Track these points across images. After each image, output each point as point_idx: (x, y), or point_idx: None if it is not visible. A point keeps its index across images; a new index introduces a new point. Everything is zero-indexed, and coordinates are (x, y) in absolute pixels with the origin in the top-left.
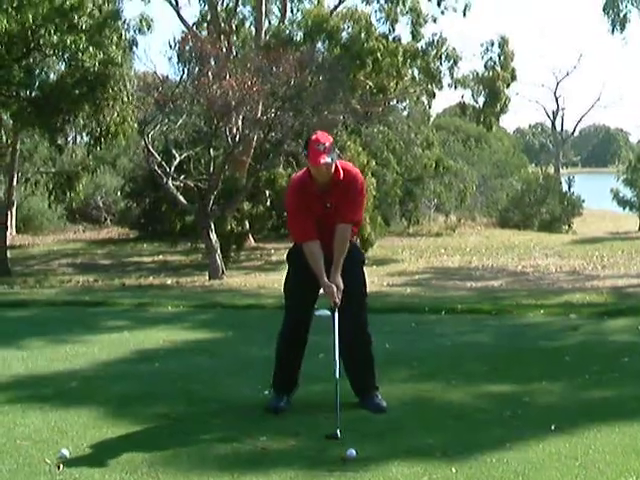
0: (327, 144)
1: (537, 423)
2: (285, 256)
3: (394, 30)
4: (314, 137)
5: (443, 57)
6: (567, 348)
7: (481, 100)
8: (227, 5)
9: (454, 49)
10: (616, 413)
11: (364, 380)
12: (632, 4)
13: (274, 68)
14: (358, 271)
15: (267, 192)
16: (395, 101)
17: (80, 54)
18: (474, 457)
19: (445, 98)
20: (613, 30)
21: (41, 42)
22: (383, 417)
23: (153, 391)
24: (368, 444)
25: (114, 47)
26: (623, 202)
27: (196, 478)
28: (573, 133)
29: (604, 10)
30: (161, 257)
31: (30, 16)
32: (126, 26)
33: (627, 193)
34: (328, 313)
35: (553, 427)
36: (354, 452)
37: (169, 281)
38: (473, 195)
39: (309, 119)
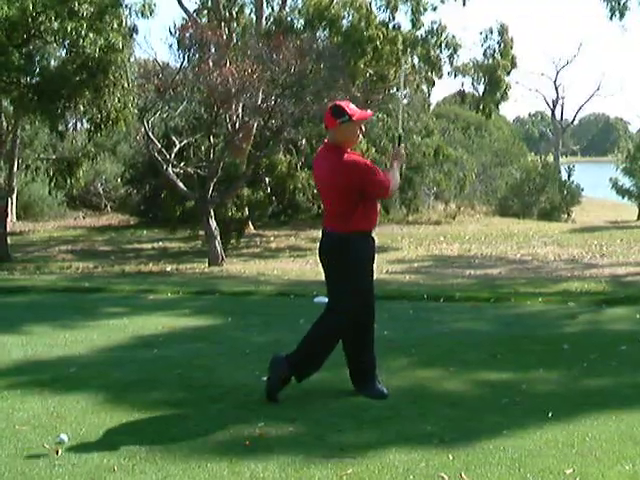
0: None
1: (534, 411)
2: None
3: (394, 18)
4: (341, 102)
5: (443, 45)
6: (565, 336)
7: (481, 88)
8: None
9: (454, 37)
10: (613, 401)
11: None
12: None
13: (274, 55)
14: (346, 279)
15: (267, 179)
16: (395, 89)
17: (81, 40)
18: (471, 444)
19: (445, 86)
20: (612, 16)
21: (42, 28)
22: (381, 404)
23: (152, 377)
24: (366, 431)
25: (115, 33)
26: (622, 191)
27: (194, 463)
28: (573, 122)
29: None
30: (161, 244)
31: (30, 2)
32: (127, 11)
33: (626, 182)
34: (326, 300)
35: (550, 415)
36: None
37: (169, 268)
38: (473, 183)
39: (309, 106)
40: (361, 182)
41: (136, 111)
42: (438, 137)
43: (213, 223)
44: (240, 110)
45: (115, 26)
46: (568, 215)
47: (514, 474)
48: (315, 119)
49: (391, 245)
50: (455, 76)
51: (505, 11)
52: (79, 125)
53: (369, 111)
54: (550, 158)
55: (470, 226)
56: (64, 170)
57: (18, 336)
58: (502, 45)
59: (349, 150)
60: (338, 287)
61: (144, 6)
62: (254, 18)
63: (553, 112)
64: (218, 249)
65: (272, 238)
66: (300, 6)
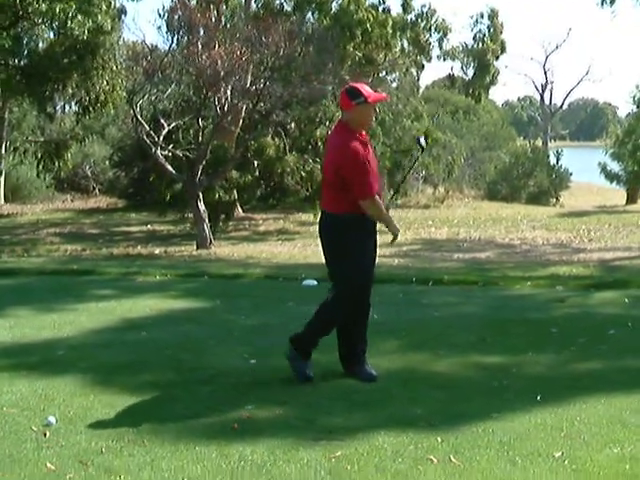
0: None
1: (523, 394)
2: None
3: (384, 1)
4: (355, 84)
5: (432, 29)
6: (554, 320)
7: (470, 72)
8: None
9: (443, 21)
10: (602, 384)
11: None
12: None
13: (263, 38)
14: (342, 259)
15: (256, 162)
16: (384, 72)
17: (69, 22)
18: (460, 427)
19: (434, 70)
20: (602, 3)
21: (30, 10)
22: (370, 387)
23: (140, 359)
24: (355, 413)
25: (103, 15)
26: (610, 176)
27: (183, 446)
28: (562, 107)
29: None
30: (149, 227)
31: None
32: None
33: (615, 167)
34: (314, 283)
35: (539, 398)
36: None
37: (157, 250)
38: (461, 167)
39: (298, 89)
40: (345, 169)
41: (124, 94)
42: (427, 121)
43: (202, 206)
44: (229, 93)
45: (104, 8)
46: (556, 199)
47: (503, 457)
48: (304, 102)
49: (379, 229)
50: (444, 60)
51: None
52: (67, 107)
53: (384, 93)
54: (539, 142)
55: (459, 210)
56: (52, 152)
57: (6, 319)
58: (492, 29)
59: (362, 133)
60: (335, 267)
61: None
62: (243, 0)
63: (542, 96)
64: (207, 232)
65: (260, 221)
66: None
